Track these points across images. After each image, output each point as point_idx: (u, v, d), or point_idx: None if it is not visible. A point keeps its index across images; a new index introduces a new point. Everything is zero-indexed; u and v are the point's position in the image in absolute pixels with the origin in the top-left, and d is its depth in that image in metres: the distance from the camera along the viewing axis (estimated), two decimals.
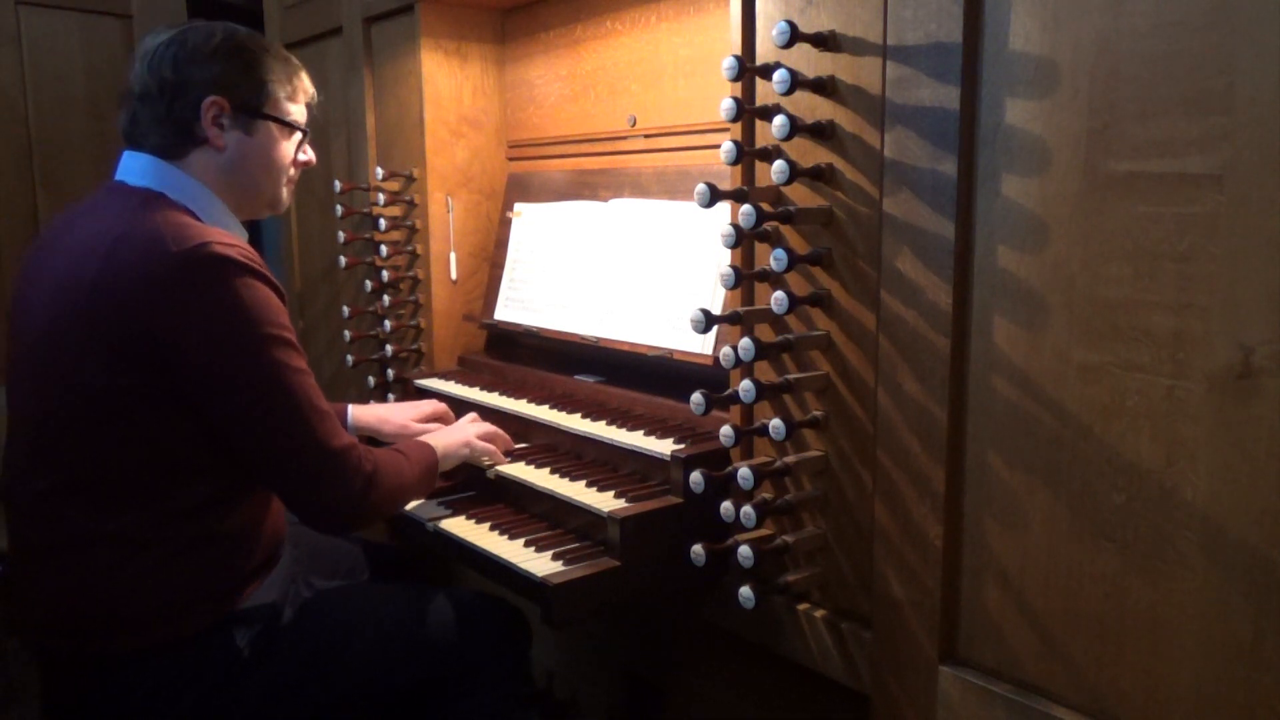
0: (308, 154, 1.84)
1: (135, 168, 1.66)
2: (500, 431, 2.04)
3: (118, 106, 1.71)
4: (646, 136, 2.26)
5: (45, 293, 1.59)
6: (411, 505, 2.00)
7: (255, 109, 1.70)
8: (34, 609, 1.61)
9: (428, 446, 1.90)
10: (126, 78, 1.69)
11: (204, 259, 1.50)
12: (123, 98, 1.69)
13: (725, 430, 1.57)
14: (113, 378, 1.50)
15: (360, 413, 2.12)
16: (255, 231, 4.59)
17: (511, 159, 2.72)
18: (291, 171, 1.81)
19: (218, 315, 1.50)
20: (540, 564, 1.67)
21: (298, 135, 1.79)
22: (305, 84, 1.80)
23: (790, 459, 1.56)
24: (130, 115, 1.67)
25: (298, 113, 1.79)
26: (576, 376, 2.26)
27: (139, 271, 1.49)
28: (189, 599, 1.58)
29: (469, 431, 2.01)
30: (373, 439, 2.13)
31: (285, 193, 1.82)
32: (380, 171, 2.68)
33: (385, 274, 2.68)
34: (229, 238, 1.57)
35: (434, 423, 2.16)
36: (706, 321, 1.52)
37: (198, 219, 1.61)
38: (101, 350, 1.50)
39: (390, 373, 2.72)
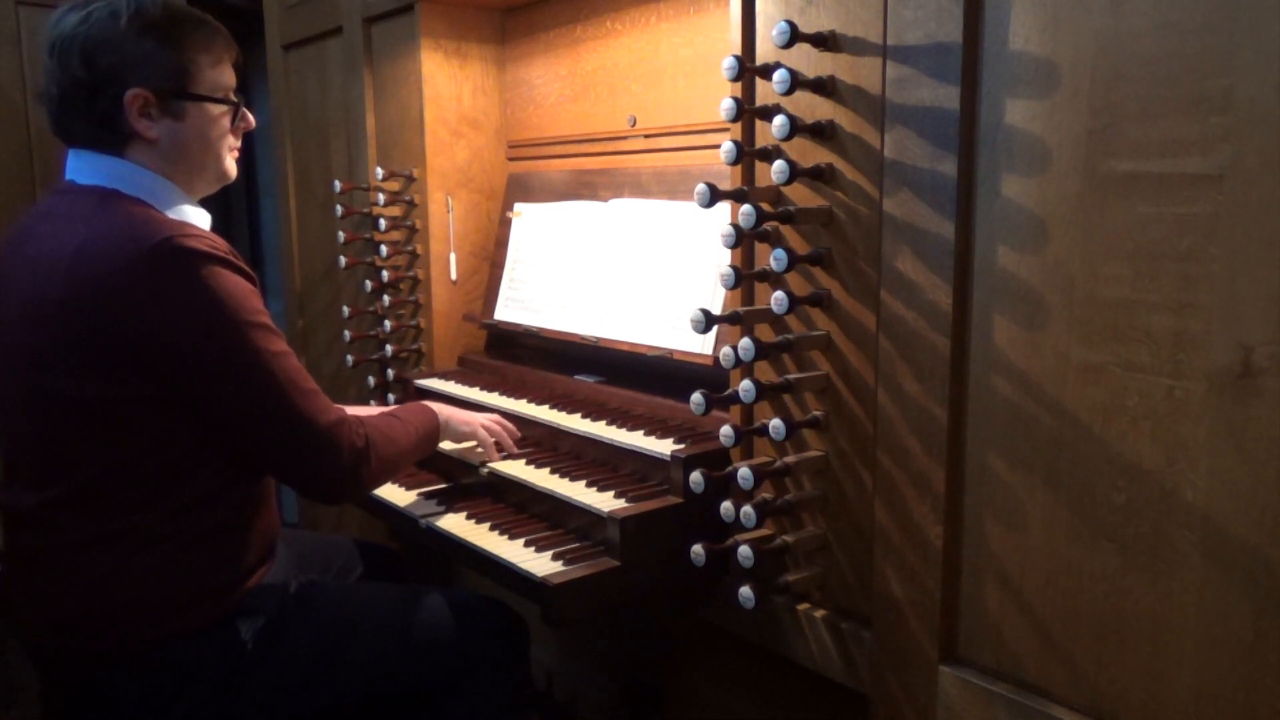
0: (247, 119, 1.73)
1: (84, 167, 1.60)
2: (510, 425, 2.05)
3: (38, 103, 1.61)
4: (646, 136, 2.26)
5: (14, 309, 1.56)
6: (411, 504, 2.00)
7: (180, 92, 1.59)
8: (35, 611, 1.60)
9: (429, 411, 1.91)
10: (40, 71, 1.58)
11: (170, 254, 1.46)
12: (41, 95, 1.59)
13: (725, 430, 1.57)
14: (98, 388, 1.49)
15: None
16: (256, 232, 4.60)
17: (511, 159, 2.71)
18: (232, 140, 1.71)
19: (191, 309, 1.48)
20: (540, 564, 1.67)
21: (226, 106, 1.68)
22: (225, 43, 1.66)
23: (790, 459, 1.56)
24: (52, 114, 1.59)
25: (226, 80, 1.66)
26: (576, 376, 2.26)
27: (106, 277, 1.45)
28: (192, 593, 1.58)
29: (478, 417, 2.03)
30: None
31: (230, 162, 1.72)
32: (380, 171, 2.68)
33: (385, 274, 2.68)
34: (192, 229, 1.53)
35: None
36: (706, 321, 1.52)
37: (157, 210, 1.56)
38: (83, 362, 1.48)
39: (390, 373, 2.72)
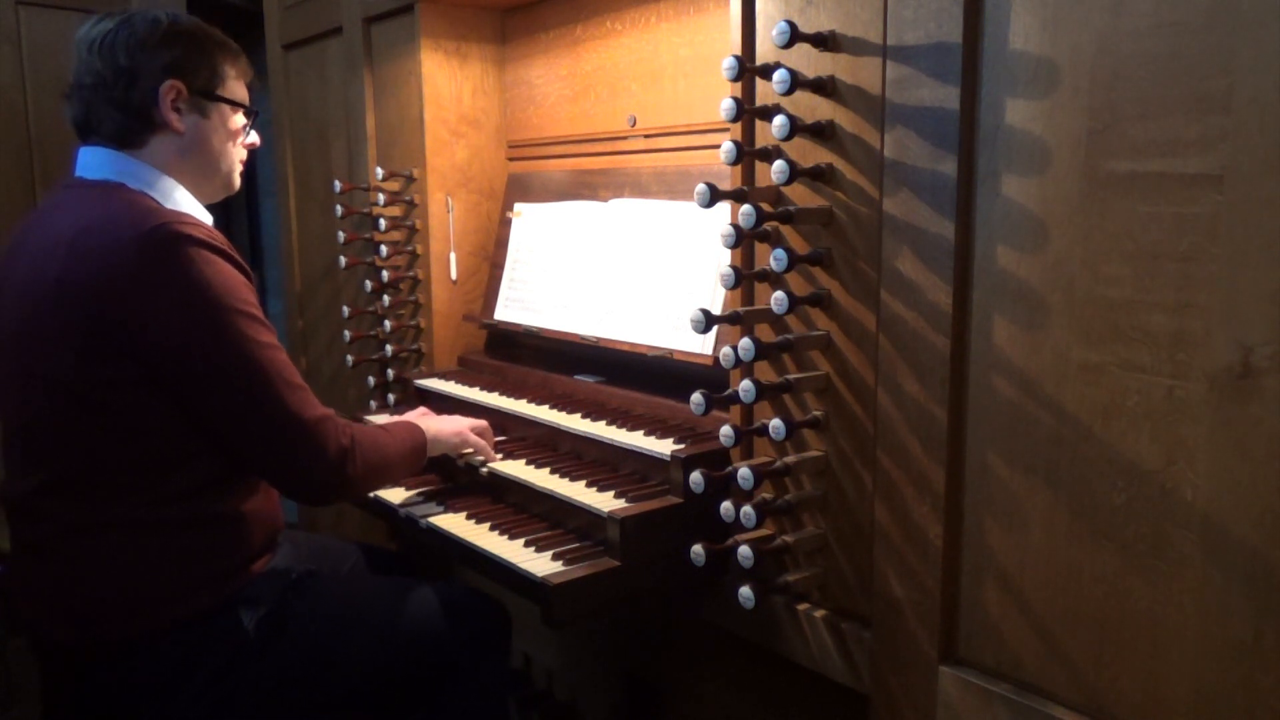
0: (254, 137, 1.85)
1: (93, 162, 1.66)
2: (489, 432, 2.06)
3: (65, 100, 1.70)
4: (646, 136, 2.26)
5: (13, 295, 1.60)
6: (410, 504, 2.00)
7: (210, 91, 1.72)
8: (38, 600, 1.61)
9: (416, 427, 1.92)
10: (72, 69, 1.68)
11: (162, 238, 1.50)
12: (72, 89, 1.68)
13: (725, 430, 1.57)
14: (90, 371, 1.51)
15: None
16: (256, 232, 4.60)
17: (511, 159, 2.71)
18: (242, 153, 1.83)
19: (180, 293, 1.50)
20: (540, 564, 1.67)
21: (245, 116, 1.81)
22: (247, 65, 1.82)
23: (790, 459, 1.56)
24: (83, 106, 1.67)
25: (244, 95, 1.81)
26: (576, 376, 2.26)
27: (100, 260, 1.49)
28: (192, 580, 1.59)
29: (463, 423, 2.03)
30: None
31: (237, 173, 1.83)
32: (380, 171, 2.68)
33: (385, 274, 2.68)
34: (189, 217, 1.58)
35: None
36: (706, 321, 1.52)
37: (158, 201, 1.62)
38: (75, 345, 1.51)
39: (390, 373, 2.72)
